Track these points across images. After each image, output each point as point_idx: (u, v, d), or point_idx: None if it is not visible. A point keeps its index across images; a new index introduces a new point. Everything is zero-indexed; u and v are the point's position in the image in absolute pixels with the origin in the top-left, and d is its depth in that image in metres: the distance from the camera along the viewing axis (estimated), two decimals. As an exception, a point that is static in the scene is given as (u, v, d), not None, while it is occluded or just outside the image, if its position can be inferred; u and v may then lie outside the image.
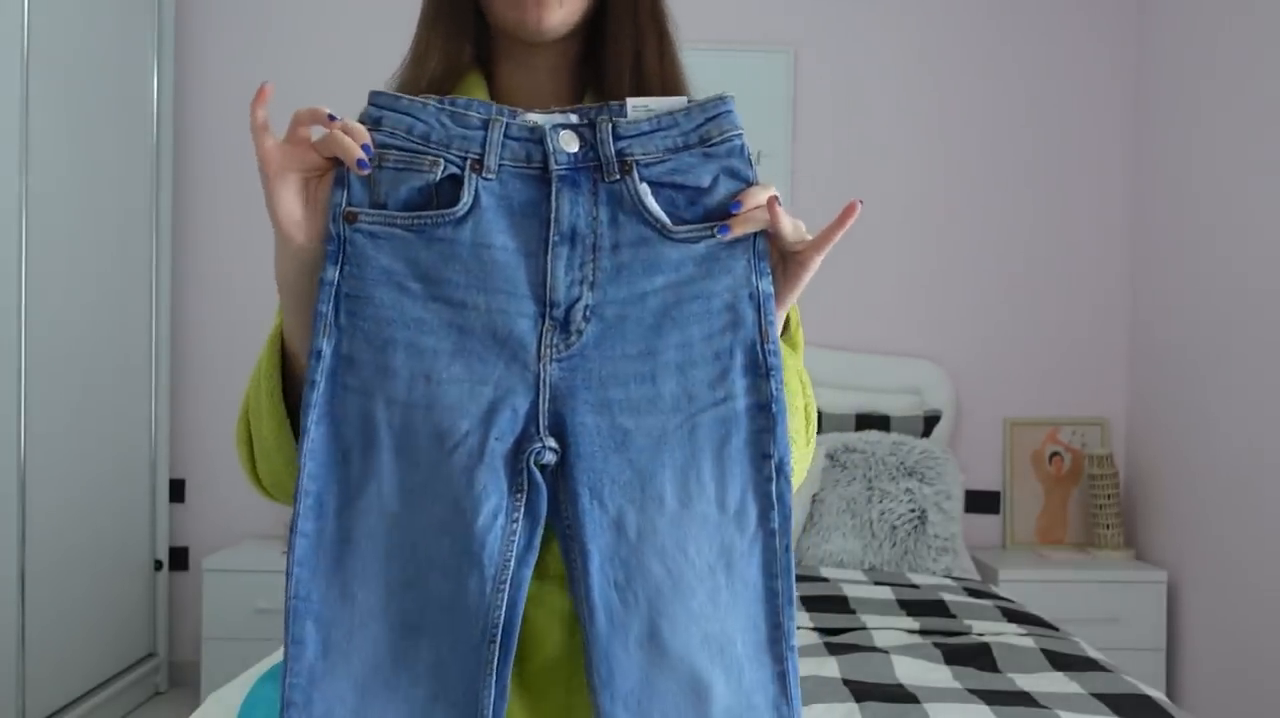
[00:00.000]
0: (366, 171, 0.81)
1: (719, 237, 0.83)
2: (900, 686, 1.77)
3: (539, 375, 0.82)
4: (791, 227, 0.84)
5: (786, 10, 3.28)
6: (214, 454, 3.25)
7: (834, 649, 2.00)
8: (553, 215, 0.83)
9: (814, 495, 2.83)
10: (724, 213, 0.84)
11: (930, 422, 3.12)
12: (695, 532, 0.82)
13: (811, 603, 2.32)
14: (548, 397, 0.82)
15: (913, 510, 2.78)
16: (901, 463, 2.86)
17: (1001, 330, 3.28)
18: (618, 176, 0.83)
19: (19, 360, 2.48)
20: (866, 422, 3.08)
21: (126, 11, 2.96)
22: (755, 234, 0.84)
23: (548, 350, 0.82)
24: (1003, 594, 2.52)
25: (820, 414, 2.90)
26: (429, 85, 0.93)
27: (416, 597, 0.81)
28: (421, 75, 0.94)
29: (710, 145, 0.84)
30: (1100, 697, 1.72)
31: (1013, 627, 2.19)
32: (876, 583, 2.51)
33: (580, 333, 0.82)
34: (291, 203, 0.82)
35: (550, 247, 0.82)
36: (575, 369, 0.82)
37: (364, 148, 0.81)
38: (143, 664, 3.09)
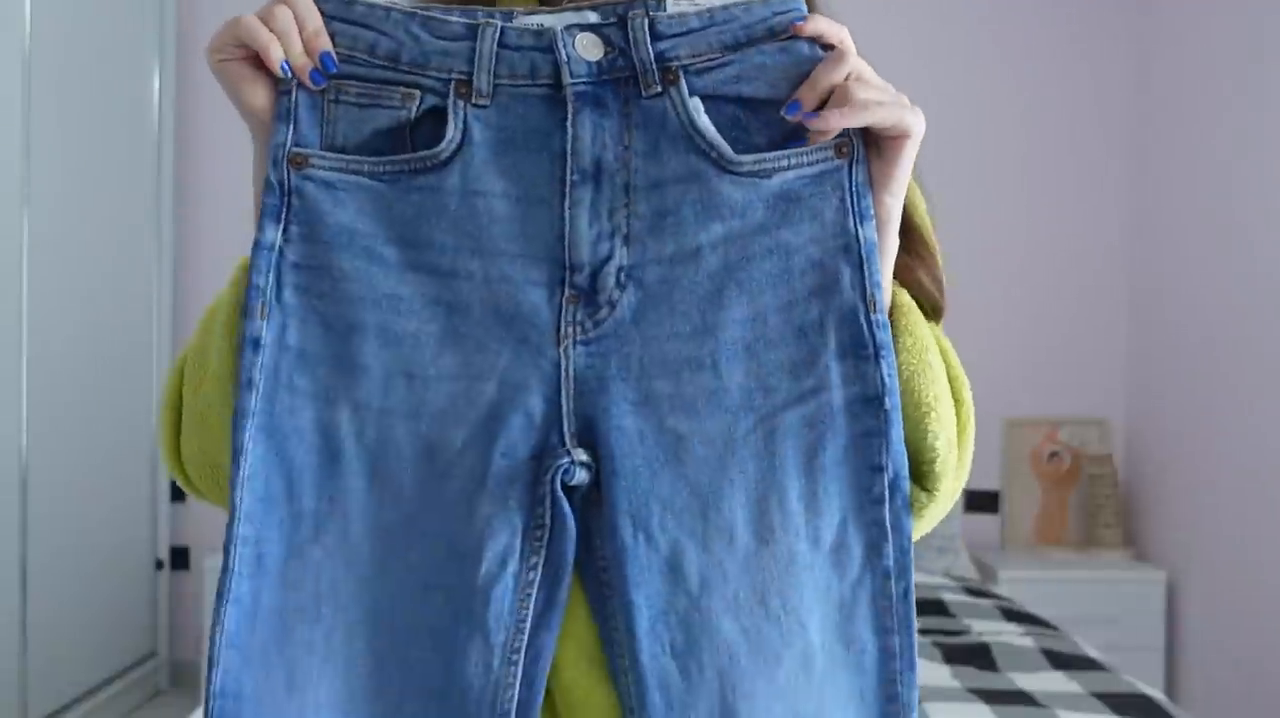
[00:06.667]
0: (320, 86, 0.61)
1: (788, 117, 0.62)
2: (900, 685, 1.77)
3: (560, 364, 0.61)
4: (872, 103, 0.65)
5: (786, 11, 3.28)
6: (215, 454, 3.25)
7: (834, 649, 2.01)
8: (570, 147, 0.61)
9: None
10: (796, 130, 0.63)
11: (929, 421, 3.12)
12: (779, 576, 0.61)
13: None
14: (572, 393, 0.61)
15: (912, 510, 2.79)
16: (901, 463, 2.86)
17: (1000, 330, 3.28)
18: (658, 89, 0.62)
19: (20, 360, 2.48)
20: (866, 421, 3.08)
21: (128, 12, 2.96)
22: (851, 160, 0.65)
23: (570, 329, 0.61)
24: (1002, 594, 2.53)
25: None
26: None
27: (395, 681, 0.60)
28: None
29: (785, 39, 0.64)
30: (1099, 696, 1.72)
31: (1012, 626, 2.19)
32: (876, 582, 2.51)
33: (613, 304, 0.62)
34: (260, 89, 0.65)
35: (568, 189, 0.61)
36: (608, 354, 0.61)
37: (323, 56, 0.61)
38: (144, 664, 3.09)
